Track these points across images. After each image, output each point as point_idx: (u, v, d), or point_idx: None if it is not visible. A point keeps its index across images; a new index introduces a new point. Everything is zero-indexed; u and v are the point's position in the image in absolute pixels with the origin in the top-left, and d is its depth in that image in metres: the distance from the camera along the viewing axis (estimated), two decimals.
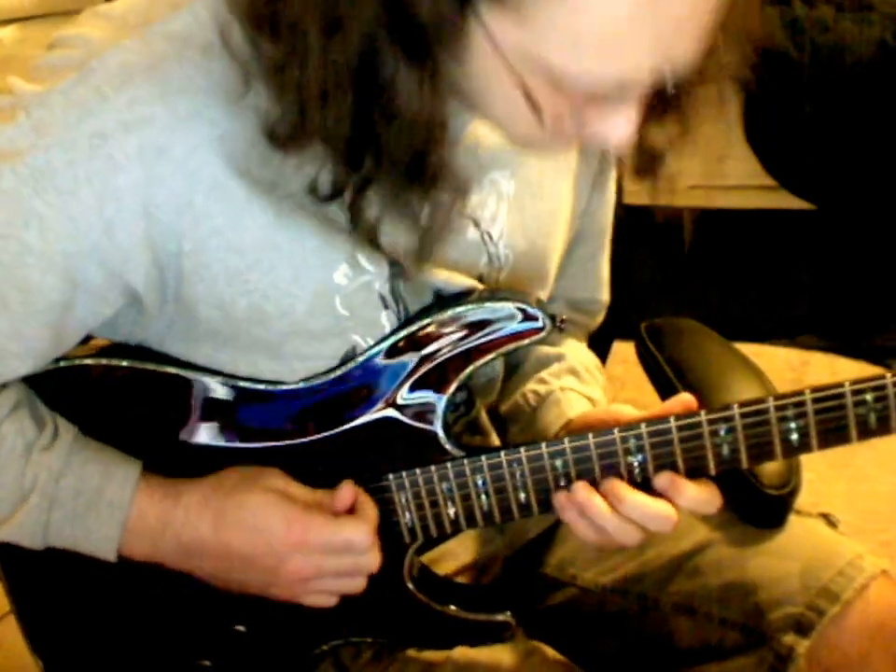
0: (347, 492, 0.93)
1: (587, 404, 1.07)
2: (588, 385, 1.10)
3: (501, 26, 0.72)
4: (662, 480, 0.90)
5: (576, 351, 1.14)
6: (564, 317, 0.93)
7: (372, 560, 0.92)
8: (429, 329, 0.91)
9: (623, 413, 0.95)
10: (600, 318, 1.20)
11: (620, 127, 0.78)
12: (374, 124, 0.76)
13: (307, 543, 0.90)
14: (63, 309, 0.86)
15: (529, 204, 0.99)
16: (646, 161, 0.91)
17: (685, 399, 0.92)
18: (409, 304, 0.92)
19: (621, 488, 0.89)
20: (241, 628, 0.98)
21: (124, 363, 0.93)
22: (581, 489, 0.90)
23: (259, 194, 0.83)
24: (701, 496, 0.90)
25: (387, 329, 0.92)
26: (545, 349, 1.12)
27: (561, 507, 0.92)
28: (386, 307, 0.91)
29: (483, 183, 0.94)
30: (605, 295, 1.18)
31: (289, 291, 0.87)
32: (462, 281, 0.95)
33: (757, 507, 1.11)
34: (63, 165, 0.80)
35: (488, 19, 0.72)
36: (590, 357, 1.16)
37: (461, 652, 1.02)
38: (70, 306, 0.86)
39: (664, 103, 0.83)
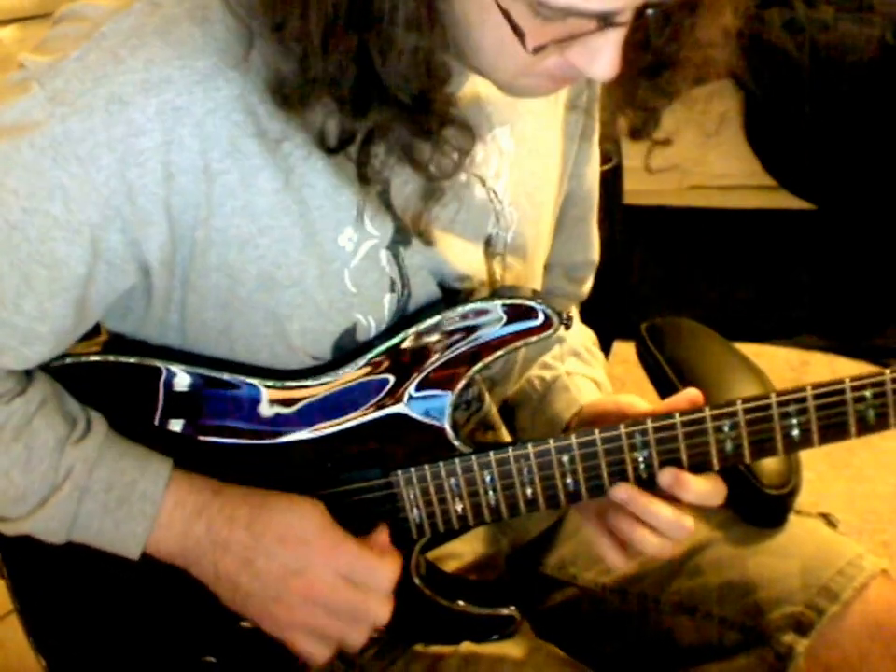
0: (384, 534, 0.94)
1: (594, 387, 1.08)
2: (591, 367, 1.11)
3: None
4: (666, 477, 0.90)
5: (574, 331, 1.15)
6: (570, 314, 0.93)
7: (384, 610, 0.91)
8: (437, 327, 0.92)
9: (633, 405, 0.96)
10: (590, 283, 1.20)
11: (602, 59, 0.78)
12: (375, 63, 0.77)
13: (334, 556, 0.90)
14: (86, 282, 0.85)
15: (527, 161, 1.00)
16: (640, 119, 0.92)
17: (691, 395, 0.93)
18: (414, 290, 0.93)
19: (637, 498, 0.91)
20: (246, 624, 0.98)
21: (132, 360, 0.93)
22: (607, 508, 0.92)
23: (272, 155, 0.83)
24: (706, 488, 0.90)
25: (387, 312, 0.92)
26: None
27: (598, 538, 0.94)
28: (392, 290, 0.92)
29: (486, 139, 0.94)
30: (596, 255, 1.18)
31: (299, 258, 0.87)
32: (471, 256, 0.95)
33: (757, 506, 1.11)
34: (83, 133, 0.80)
35: None
36: (587, 335, 1.17)
37: (467, 647, 1.02)
38: (92, 278, 0.85)
39: (658, 59, 0.84)
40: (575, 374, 1.09)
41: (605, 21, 0.75)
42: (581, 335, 1.16)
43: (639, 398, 0.97)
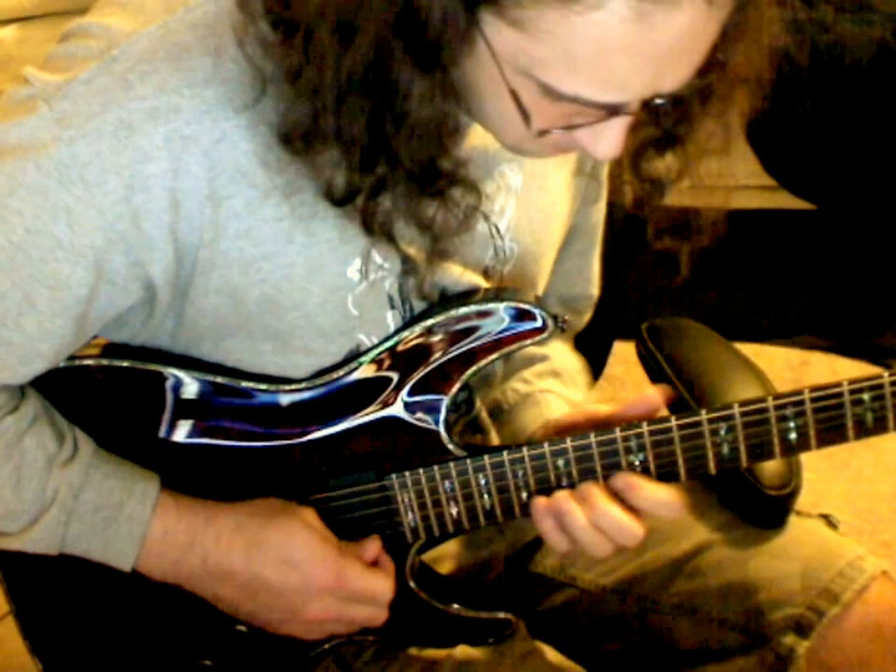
0: (374, 544, 0.95)
1: (566, 408, 1.07)
2: (569, 389, 1.11)
3: (501, 36, 0.73)
4: (618, 481, 0.91)
5: (560, 353, 1.15)
6: (566, 318, 0.93)
7: (382, 617, 0.95)
8: (433, 330, 0.92)
9: (597, 410, 0.97)
10: (588, 316, 1.20)
11: (607, 144, 0.79)
12: (387, 129, 0.77)
13: (341, 588, 0.92)
14: (88, 302, 0.85)
15: (535, 197, 1.00)
16: (646, 190, 0.93)
17: (651, 399, 0.94)
18: (415, 304, 0.93)
19: (596, 496, 0.90)
20: (242, 628, 0.98)
21: (125, 363, 0.93)
22: (561, 495, 0.92)
23: (279, 185, 0.83)
24: (658, 497, 0.90)
25: (392, 329, 0.92)
26: (532, 349, 1.12)
27: (538, 512, 0.93)
28: (393, 307, 0.92)
29: (493, 175, 0.95)
30: (596, 290, 1.19)
31: (302, 285, 0.87)
32: (469, 278, 0.95)
33: (757, 508, 1.11)
34: (90, 157, 0.80)
35: (490, 28, 0.73)
36: (574, 361, 1.17)
37: (462, 651, 1.02)
38: (94, 297, 0.85)
39: (667, 136, 0.85)
40: (550, 393, 1.09)
41: (612, 110, 0.76)
42: (567, 359, 1.16)
43: (601, 405, 0.97)
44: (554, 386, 1.10)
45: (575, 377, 1.14)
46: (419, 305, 0.93)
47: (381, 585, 0.94)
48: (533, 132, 0.78)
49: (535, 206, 1.00)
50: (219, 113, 0.80)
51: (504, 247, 0.98)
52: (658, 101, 0.78)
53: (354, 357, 0.92)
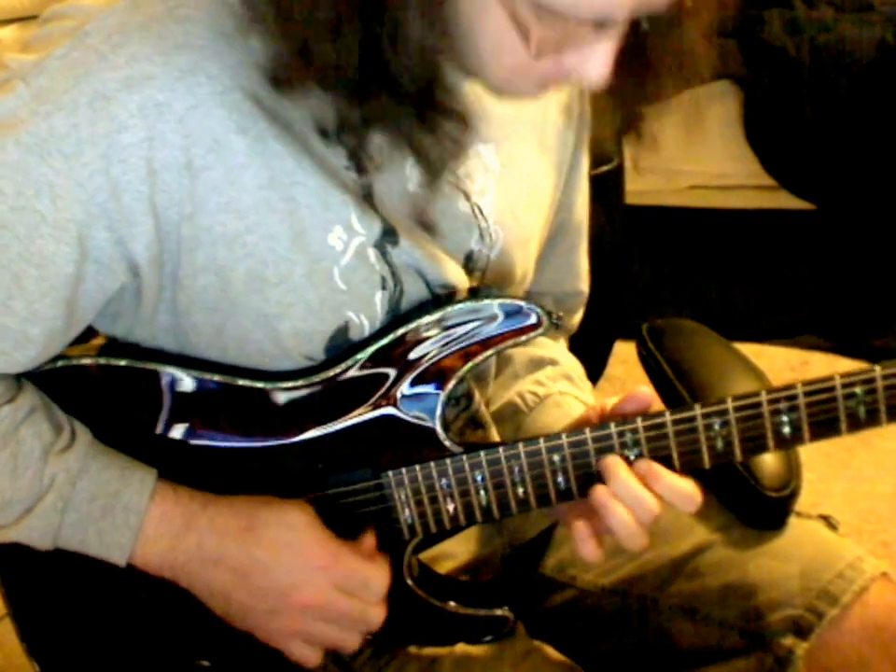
0: (371, 539, 0.94)
1: (583, 409, 1.07)
2: (582, 391, 1.12)
3: None
4: (641, 466, 0.90)
5: (567, 358, 1.16)
6: (560, 314, 0.93)
7: (378, 616, 0.93)
8: (428, 326, 0.92)
9: (607, 405, 0.96)
10: (580, 316, 1.21)
11: (596, 62, 0.80)
12: (382, 53, 0.77)
13: (332, 569, 0.91)
14: (75, 282, 0.86)
15: (515, 183, 1.00)
16: (626, 119, 0.93)
17: (640, 396, 0.93)
18: (406, 288, 0.93)
19: (654, 466, 0.90)
20: None
21: (122, 362, 0.93)
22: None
23: (258, 152, 0.83)
24: (679, 486, 0.90)
25: (379, 310, 0.92)
26: (538, 352, 1.13)
27: (599, 502, 0.91)
28: (384, 288, 0.92)
29: (469, 153, 0.94)
30: (586, 287, 1.19)
31: (287, 256, 0.87)
32: (447, 269, 0.95)
33: (757, 509, 1.11)
34: (67, 129, 0.80)
35: None
36: (579, 367, 1.17)
37: (461, 649, 1.02)
38: (81, 278, 0.86)
39: (639, 58, 0.85)
40: (567, 394, 1.09)
41: (600, 24, 0.77)
42: (574, 363, 1.16)
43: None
44: (569, 389, 1.11)
45: (584, 380, 1.15)
46: (410, 289, 0.93)
47: (376, 572, 0.92)
48: (532, 52, 0.78)
49: (515, 192, 1.00)
50: (192, 79, 0.81)
51: (489, 229, 0.98)
52: (644, 24, 0.79)
53: (349, 354, 0.92)
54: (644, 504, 0.89)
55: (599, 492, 0.90)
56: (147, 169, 0.82)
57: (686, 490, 0.90)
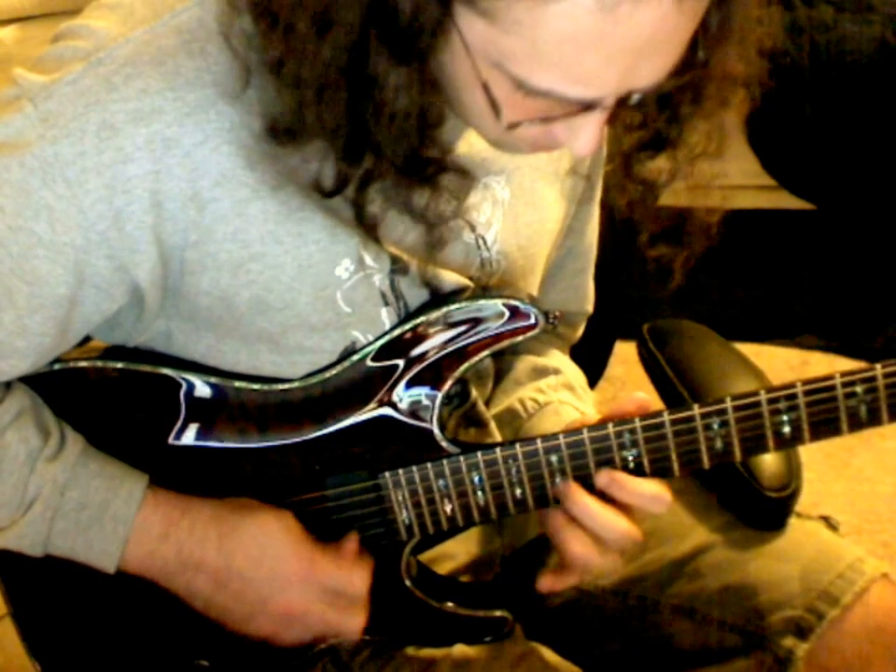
0: (353, 541, 0.94)
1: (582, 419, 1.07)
2: (583, 402, 1.12)
3: (473, 28, 0.73)
4: (602, 478, 0.91)
5: (570, 367, 1.16)
6: (557, 314, 0.93)
7: (356, 623, 0.94)
8: (425, 327, 0.92)
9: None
10: (581, 329, 1.21)
11: (584, 139, 0.79)
12: (367, 120, 0.77)
13: (310, 577, 0.92)
14: (70, 304, 0.86)
15: (522, 212, 1.00)
16: (639, 193, 0.93)
17: (639, 400, 0.93)
18: (409, 301, 0.93)
19: (616, 475, 0.90)
20: None
21: (119, 365, 0.93)
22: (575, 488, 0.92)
23: (265, 188, 0.83)
24: (644, 490, 0.90)
25: (387, 326, 0.92)
26: (542, 360, 1.13)
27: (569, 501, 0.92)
28: (387, 304, 0.92)
29: (477, 186, 0.95)
30: (591, 307, 1.20)
31: (291, 285, 0.87)
32: (460, 279, 0.95)
33: (757, 509, 1.11)
34: (73, 156, 0.80)
35: (463, 19, 0.73)
36: (582, 377, 1.17)
37: (460, 650, 1.02)
38: (76, 301, 0.86)
39: (658, 138, 0.85)
40: (567, 404, 1.09)
41: (586, 106, 0.76)
42: (577, 374, 1.16)
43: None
44: (569, 398, 1.11)
45: (587, 391, 1.15)
46: (413, 301, 0.93)
47: (353, 579, 0.93)
48: (503, 125, 0.78)
49: (523, 221, 1.00)
50: (201, 115, 0.80)
51: (491, 259, 0.98)
52: (635, 97, 0.77)
53: (348, 354, 0.92)
54: (610, 527, 0.89)
55: (555, 519, 0.91)
56: (152, 200, 0.82)
57: (652, 492, 0.90)
